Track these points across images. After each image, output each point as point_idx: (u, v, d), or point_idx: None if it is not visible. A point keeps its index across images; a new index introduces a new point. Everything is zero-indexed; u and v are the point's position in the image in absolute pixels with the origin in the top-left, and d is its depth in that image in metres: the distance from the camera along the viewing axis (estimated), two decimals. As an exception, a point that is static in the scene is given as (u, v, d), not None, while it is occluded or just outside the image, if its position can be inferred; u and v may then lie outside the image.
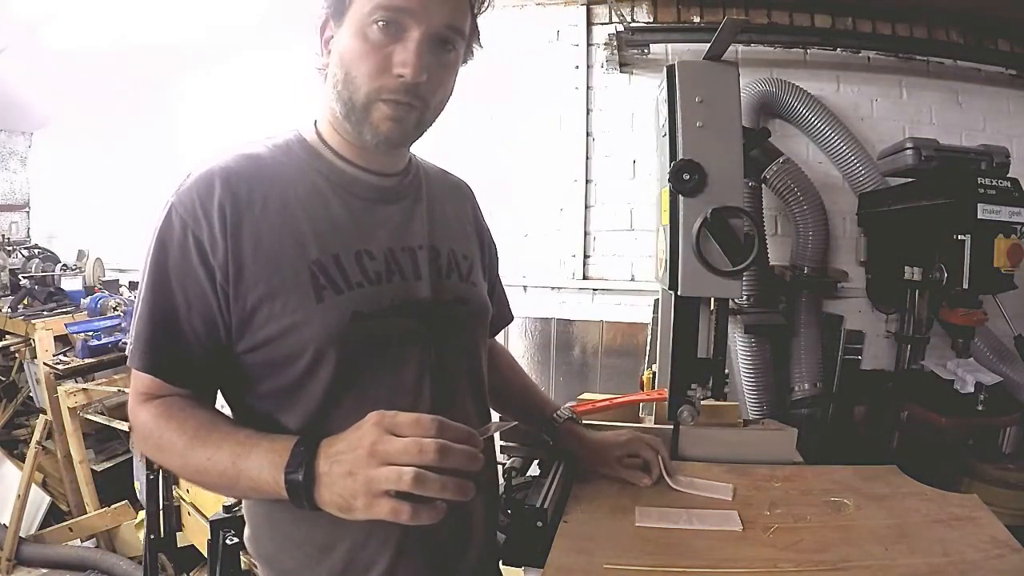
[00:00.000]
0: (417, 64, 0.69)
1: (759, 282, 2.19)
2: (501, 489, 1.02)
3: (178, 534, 2.10)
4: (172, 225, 0.70)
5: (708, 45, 0.99)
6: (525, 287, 2.66)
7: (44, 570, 2.55)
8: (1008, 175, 1.84)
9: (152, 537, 2.06)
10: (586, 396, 1.37)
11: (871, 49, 2.37)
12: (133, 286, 3.25)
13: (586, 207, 2.60)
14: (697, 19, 2.44)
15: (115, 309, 2.81)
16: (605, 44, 2.51)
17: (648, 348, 2.36)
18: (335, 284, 0.72)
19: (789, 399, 2.26)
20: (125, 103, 3.54)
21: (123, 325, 2.74)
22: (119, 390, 2.57)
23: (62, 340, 2.82)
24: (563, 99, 2.59)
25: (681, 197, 0.97)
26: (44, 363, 2.63)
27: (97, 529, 2.62)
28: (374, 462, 0.58)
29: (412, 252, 0.80)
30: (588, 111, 2.58)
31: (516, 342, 2.70)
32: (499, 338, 1.15)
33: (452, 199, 0.94)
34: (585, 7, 2.55)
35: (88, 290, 3.20)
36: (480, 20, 0.79)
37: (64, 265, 3.39)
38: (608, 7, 2.49)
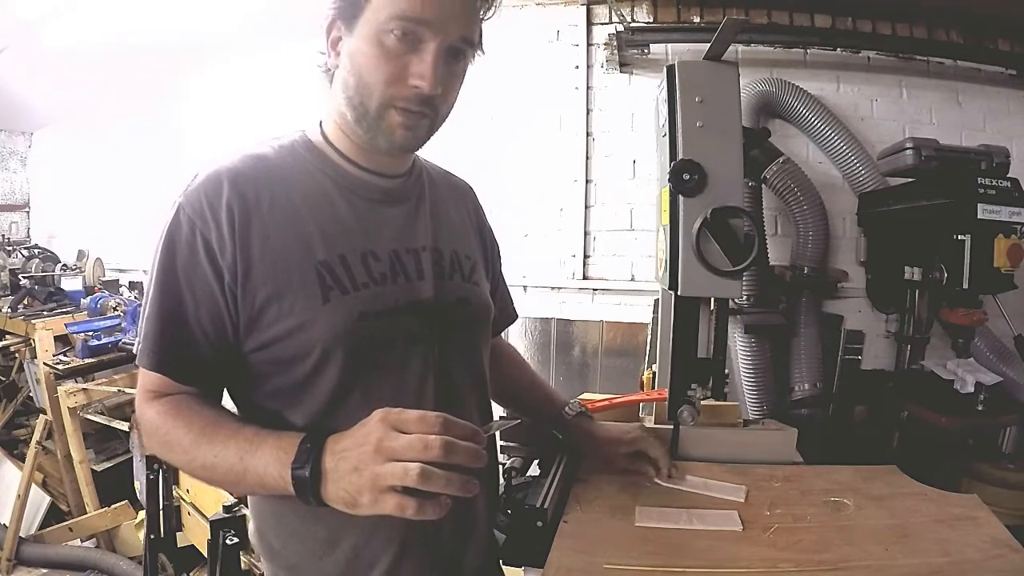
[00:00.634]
0: (433, 76, 0.70)
1: (759, 282, 2.19)
2: (501, 489, 1.03)
3: (178, 534, 2.10)
4: (180, 225, 0.70)
5: (708, 45, 0.99)
6: (525, 287, 2.66)
7: (44, 570, 2.55)
8: (1008, 175, 1.83)
9: (152, 537, 2.06)
10: (586, 396, 1.37)
11: (871, 49, 2.37)
12: (133, 286, 3.25)
13: (586, 207, 2.60)
14: (697, 19, 2.44)
15: (115, 309, 2.81)
16: (605, 44, 2.51)
17: (648, 348, 2.36)
18: (341, 285, 0.73)
19: (789, 399, 2.26)
20: (125, 103, 3.54)
21: (123, 325, 2.74)
22: (119, 390, 2.57)
23: (62, 340, 2.82)
24: (563, 99, 2.59)
25: (681, 197, 0.97)
26: (44, 363, 2.63)
27: (97, 529, 2.62)
28: (380, 458, 0.58)
29: (416, 253, 0.81)
30: (588, 111, 2.58)
31: (516, 342, 2.69)
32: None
33: (454, 200, 0.95)
34: (585, 7, 2.55)
35: (88, 290, 3.20)
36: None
37: (64, 265, 3.39)
38: (608, 7, 2.49)
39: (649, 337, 2.39)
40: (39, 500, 2.78)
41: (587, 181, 2.59)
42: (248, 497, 0.85)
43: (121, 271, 3.52)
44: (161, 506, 2.04)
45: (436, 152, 0.94)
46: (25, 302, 3.23)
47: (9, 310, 3.10)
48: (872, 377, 2.37)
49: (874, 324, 2.41)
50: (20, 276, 3.30)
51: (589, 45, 2.57)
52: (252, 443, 0.66)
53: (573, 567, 0.81)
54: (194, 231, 0.70)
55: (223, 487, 0.75)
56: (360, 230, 0.78)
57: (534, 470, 1.15)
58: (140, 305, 0.73)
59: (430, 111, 0.74)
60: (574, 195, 2.59)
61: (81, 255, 3.51)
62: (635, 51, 2.47)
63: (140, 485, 2.18)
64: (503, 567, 0.95)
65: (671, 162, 0.97)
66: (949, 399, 1.94)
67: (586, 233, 2.61)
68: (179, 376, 0.72)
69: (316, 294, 0.72)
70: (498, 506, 0.98)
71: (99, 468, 2.69)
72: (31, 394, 3.08)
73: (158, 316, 0.71)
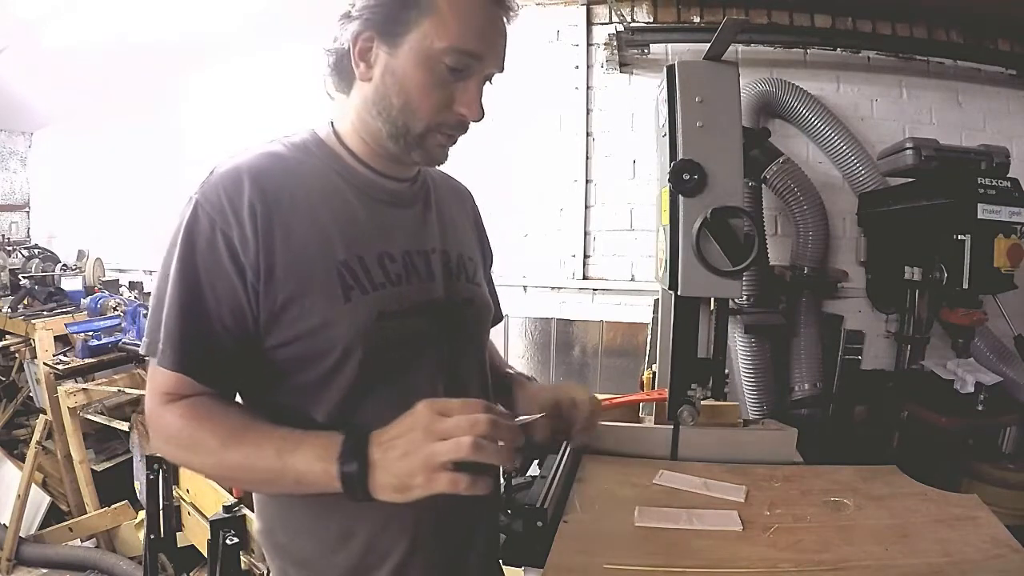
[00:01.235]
0: (479, 106, 0.77)
1: (759, 282, 2.19)
2: (501, 489, 1.03)
3: (178, 534, 2.10)
4: (199, 222, 0.70)
5: (708, 45, 0.99)
6: (525, 287, 2.66)
7: (44, 570, 2.56)
8: (1008, 175, 1.83)
9: (152, 537, 2.06)
10: (586, 396, 1.37)
11: (871, 49, 2.37)
12: (133, 286, 3.25)
13: (586, 207, 2.60)
14: (697, 19, 2.44)
15: (115, 309, 2.80)
16: (605, 44, 2.51)
17: (648, 348, 2.36)
18: (361, 285, 0.74)
19: (789, 399, 2.26)
20: (125, 103, 3.54)
21: (123, 325, 2.73)
22: (119, 390, 2.57)
23: (62, 340, 2.82)
24: (563, 99, 2.59)
25: (681, 197, 0.97)
26: (44, 363, 2.63)
27: (97, 529, 2.62)
28: (432, 438, 0.62)
29: (426, 255, 0.83)
30: (588, 111, 2.58)
31: (516, 342, 2.70)
32: (500, 338, 1.16)
33: (456, 203, 0.97)
34: (585, 7, 2.55)
35: (88, 290, 3.20)
36: None
37: (64, 265, 3.39)
38: (608, 7, 2.49)
39: (649, 337, 2.39)
40: (39, 500, 2.78)
41: (587, 181, 2.59)
42: (253, 495, 0.85)
43: (121, 271, 3.52)
44: (161, 506, 2.04)
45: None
46: (25, 302, 3.23)
47: (9, 310, 3.10)
48: (872, 377, 2.37)
49: (874, 324, 2.41)
50: (20, 276, 3.30)
51: (589, 45, 2.57)
52: (289, 442, 0.67)
53: (573, 567, 0.81)
54: (214, 228, 0.69)
55: (253, 487, 0.76)
56: (376, 231, 0.79)
57: (534, 470, 1.15)
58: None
59: (464, 131, 0.80)
60: (574, 195, 2.59)
61: (81, 255, 3.51)
62: (635, 51, 2.47)
63: (140, 485, 2.18)
64: (503, 567, 0.95)
65: (671, 162, 0.97)
66: (949, 399, 1.94)
67: (586, 233, 2.61)
68: (202, 376, 0.71)
69: (338, 294, 0.73)
70: (499, 506, 0.98)
71: (99, 468, 2.69)
72: (31, 394, 3.08)
73: (179, 315, 0.70)
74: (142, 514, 2.19)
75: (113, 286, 3.20)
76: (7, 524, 2.61)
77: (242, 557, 1.60)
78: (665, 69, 1.03)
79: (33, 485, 2.70)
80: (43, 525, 2.74)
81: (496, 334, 1.11)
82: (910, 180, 2.11)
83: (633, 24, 2.44)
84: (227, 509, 1.60)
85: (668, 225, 1.00)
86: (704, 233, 0.94)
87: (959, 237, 1.77)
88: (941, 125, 2.37)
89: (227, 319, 0.70)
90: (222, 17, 2.83)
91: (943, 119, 2.39)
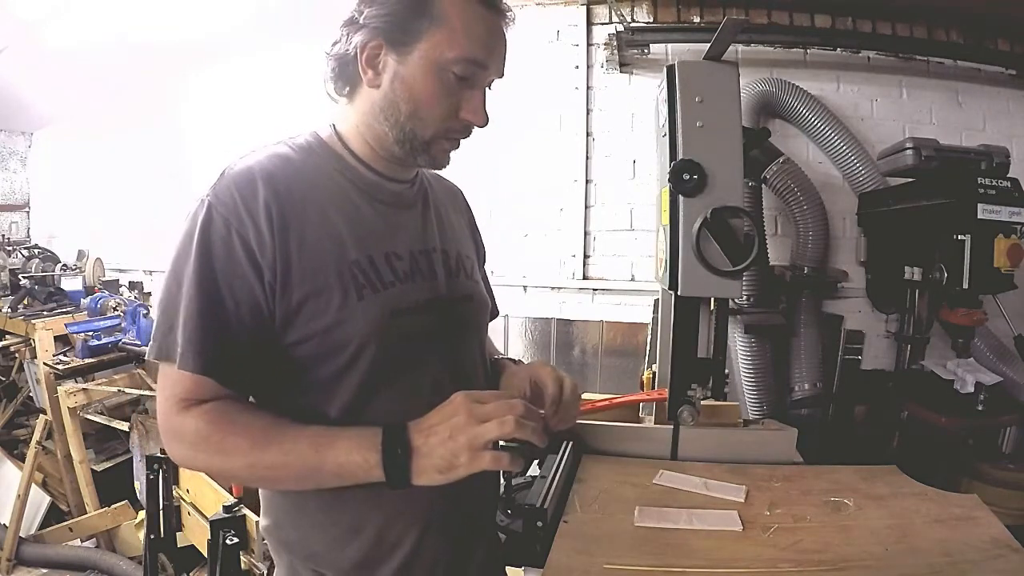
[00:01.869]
0: (485, 114, 0.80)
1: (759, 282, 2.19)
2: (501, 489, 1.03)
3: (178, 534, 2.10)
4: (214, 223, 0.70)
5: (708, 45, 0.99)
6: (525, 287, 2.65)
7: (44, 570, 2.55)
8: (1008, 175, 1.84)
9: (152, 537, 2.05)
10: (586, 396, 1.37)
11: (871, 49, 2.37)
12: (133, 286, 3.25)
13: (586, 207, 2.60)
14: (697, 19, 2.44)
15: (115, 309, 2.80)
16: (605, 44, 2.51)
17: (648, 348, 2.36)
18: (372, 283, 0.77)
19: (789, 399, 2.26)
20: (125, 102, 3.54)
21: (123, 325, 2.73)
22: (119, 390, 2.57)
23: (62, 340, 2.82)
24: (563, 99, 2.59)
25: (681, 197, 0.97)
26: (44, 363, 2.63)
27: (97, 529, 2.62)
28: (474, 421, 0.66)
29: (428, 254, 0.86)
30: (588, 111, 2.58)
31: (516, 342, 2.69)
32: (500, 338, 1.16)
33: (451, 203, 0.99)
34: (585, 7, 2.55)
35: (88, 290, 3.19)
36: None
37: (64, 265, 3.38)
38: (608, 7, 2.49)
39: (649, 337, 2.39)
40: (39, 500, 2.78)
41: (587, 181, 2.59)
42: (260, 492, 0.86)
43: (121, 271, 3.52)
44: (161, 506, 2.04)
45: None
46: (25, 302, 3.22)
47: (9, 310, 3.09)
48: (872, 377, 2.37)
49: (874, 324, 2.42)
50: (20, 276, 3.29)
51: (589, 45, 2.57)
52: (324, 437, 0.69)
53: (573, 567, 0.81)
54: (229, 229, 0.70)
55: (282, 484, 0.77)
56: (383, 231, 0.81)
57: (534, 470, 1.15)
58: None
59: (468, 136, 0.83)
60: (574, 195, 2.59)
61: (81, 255, 3.51)
62: (635, 51, 2.47)
63: (140, 485, 2.18)
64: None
65: (671, 162, 0.97)
66: (949, 399, 1.94)
67: (586, 233, 2.61)
68: (224, 378, 0.71)
69: (351, 292, 0.74)
70: (499, 505, 0.99)
71: (99, 468, 2.68)
72: (31, 394, 3.08)
73: (199, 317, 0.69)
74: (142, 514, 2.19)
75: (113, 286, 3.19)
76: (7, 524, 2.61)
77: (242, 557, 1.60)
78: (665, 69, 1.03)
79: (33, 485, 2.70)
80: (43, 525, 2.74)
81: (496, 334, 1.11)
82: (910, 180, 2.11)
83: (633, 24, 2.45)
84: (227, 509, 1.60)
85: (668, 225, 1.00)
86: (704, 233, 0.94)
87: (959, 237, 1.77)
88: (941, 125, 2.38)
89: (246, 320, 0.71)
90: (222, 17, 2.83)
91: (943, 119, 2.39)
